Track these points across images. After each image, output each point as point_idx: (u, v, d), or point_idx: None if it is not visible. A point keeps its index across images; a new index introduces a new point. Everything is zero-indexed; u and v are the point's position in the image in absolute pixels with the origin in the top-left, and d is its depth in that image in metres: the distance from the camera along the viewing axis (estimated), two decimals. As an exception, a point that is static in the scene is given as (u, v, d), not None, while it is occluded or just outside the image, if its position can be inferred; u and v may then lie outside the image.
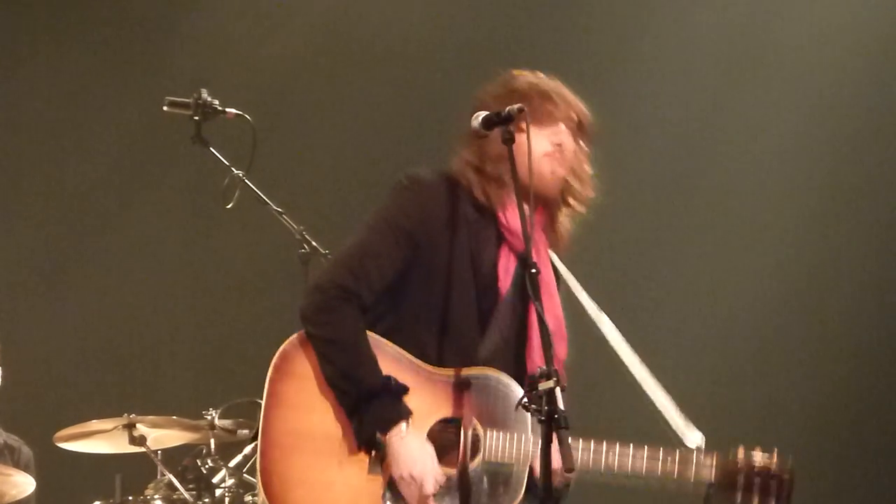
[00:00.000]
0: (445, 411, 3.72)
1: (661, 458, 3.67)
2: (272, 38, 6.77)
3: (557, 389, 3.44)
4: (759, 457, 3.68)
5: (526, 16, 6.66)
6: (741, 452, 3.68)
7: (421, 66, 6.56)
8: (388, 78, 6.58)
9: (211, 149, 4.72)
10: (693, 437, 3.68)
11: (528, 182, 3.67)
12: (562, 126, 3.86)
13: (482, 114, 3.79)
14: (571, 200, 3.86)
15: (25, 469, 5.43)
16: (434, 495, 3.66)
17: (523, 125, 3.74)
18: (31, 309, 6.61)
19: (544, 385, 3.46)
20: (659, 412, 3.73)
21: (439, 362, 3.74)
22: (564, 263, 3.87)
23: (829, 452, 6.33)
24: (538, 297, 3.52)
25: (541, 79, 3.90)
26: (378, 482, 3.69)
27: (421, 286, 3.77)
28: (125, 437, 5.34)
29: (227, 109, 4.72)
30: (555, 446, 3.40)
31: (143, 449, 5.35)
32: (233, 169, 4.73)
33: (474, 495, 3.69)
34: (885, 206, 6.49)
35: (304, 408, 3.71)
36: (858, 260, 6.49)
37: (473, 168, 3.82)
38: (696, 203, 6.60)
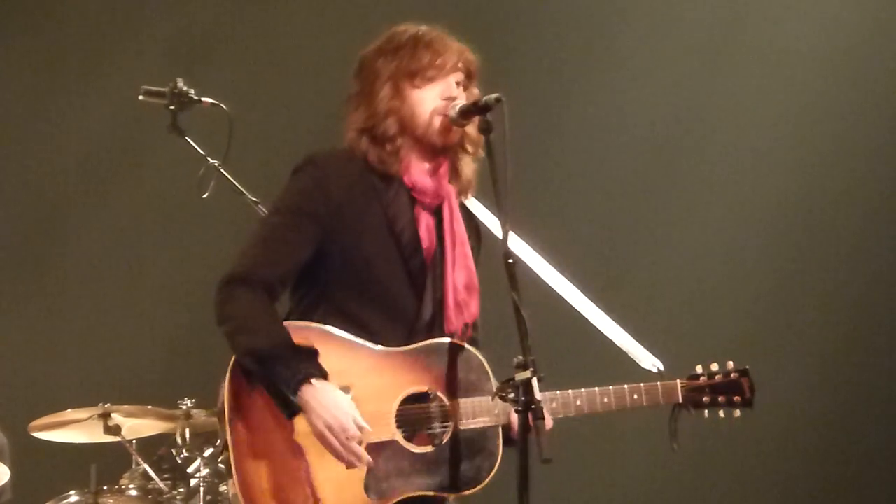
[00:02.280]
0: (409, 387, 3.72)
1: (627, 393, 3.84)
2: (250, 27, 6.77)
3: (535, 380, 3.48)
4: (715, 366, 3.92)
5: (506, 10, 6.68)
6: (699, 368, 3.92)
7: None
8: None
9: (187, 138, 4.71)
10: (652, 363, 3.82)
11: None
12: (450, 78, 3.83)
13: (459, 103, 3.80)
14: (469, 146, 3.85)
15: (-1, 458, 5.43)
16: (405, 470, 3.66)
17: (417, 81, 3.76)
18: (6, 298, 6.59)
19: (521, 375, 3.49)
20: (617, 346, 3.86)
21: (387, 337, 3.72)
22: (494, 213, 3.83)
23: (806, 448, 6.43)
24: (516, 288, 3.54)
25: (424, 31, 3.88)
26: (360, 470, 3.68)
27: (346, 266, 3.75)
28: (100, 426, 5.34)
29: (203, 98, 4.71)
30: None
31: (118, 438, 5.35)
32: (208, 159, 4.72)
33: (455, 465, 3.69)
34: (860, 203, 6.55)
35: (269, 414, 3.69)
36: (835, 256, 6.55)
37: (364, 134, 3.81)
38: (677, 197, 6.63)
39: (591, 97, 6.62)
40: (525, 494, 3.41)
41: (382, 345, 3.73)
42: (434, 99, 3.83)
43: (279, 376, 3.63)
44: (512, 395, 3.51)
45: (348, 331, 3.73)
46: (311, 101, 6.66)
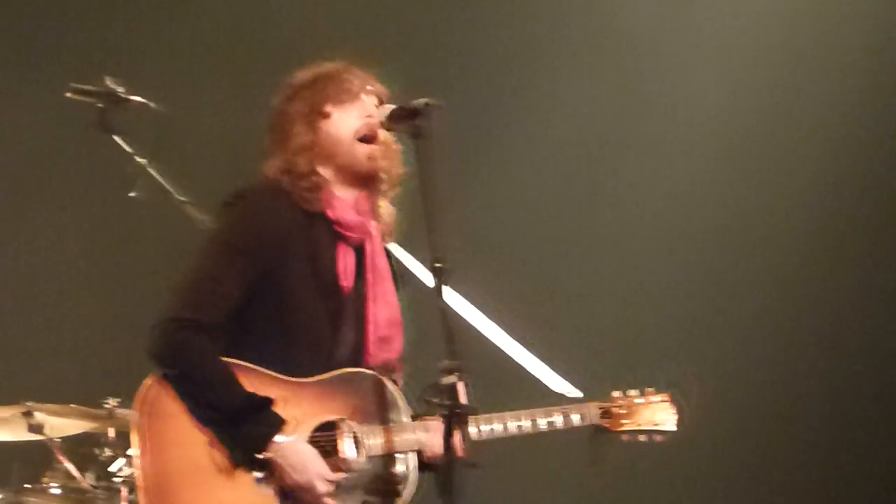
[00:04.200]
0: (318, 418, 3.73)
1: (552, 415, 3.91)
2: (180, 25, 6.74)
3: (461, 384, 3.50)
4: (633, 392, 4.03)
5: (434, 14, 6.69)
6: (616, 393, 4.02)
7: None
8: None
9: (114, 137, 4.68)
10: (571, 391, 3.89)
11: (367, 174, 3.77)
12: (365, 99, 3.87)
13: (389, 107, 3.81)
14: (385, 182, 3.87)
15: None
16: (329, 494, 3.68)
17: (328, 109, 3.77)
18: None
19: (447, 380, 3.51)
20: (537, 378, 3.92)
21: (301, 371, 3.74)
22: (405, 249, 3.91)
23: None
24: (442, 294, 3.56)
25: (325, 66, 3.93)
26: (268, 496, 3.69)
27: (268, 301, 3.76)
28: (23, 424, 5.30)
29: (132, 97, 4.69)
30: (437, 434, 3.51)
31: (41, 437, 5.31)
32: (136, 157, 4.70)
33: (365, 491, 3.72)
34: (794, 211, 6.62)
35: (179, 444, 3.69)
36: (770, 264, 6.63)
37: (285, 171, 3.82)
38: (607, 208, 6.67)
39: (523, 107, 6.64)
40: (450, 499, 3.44)
41: (297, 377, 3.75)
42: (352, 120, 3.85)
43: (244, 435, 3.66)
44: (437, 400, 3.54)
45: (262, 363, 3.73)
46: (244, 101, 6.68)
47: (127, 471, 5.27)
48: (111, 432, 5.35)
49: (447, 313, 3.51)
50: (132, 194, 4.68)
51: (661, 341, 6.45)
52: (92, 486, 5.26)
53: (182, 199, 4.71)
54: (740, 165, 6.65)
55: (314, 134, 3.84)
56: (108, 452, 5.33)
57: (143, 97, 4.70)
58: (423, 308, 3.69)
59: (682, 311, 6.58)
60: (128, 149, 4.72)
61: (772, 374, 6.57)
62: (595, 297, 6.57)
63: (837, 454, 6.53)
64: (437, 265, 3.57)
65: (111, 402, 5.32)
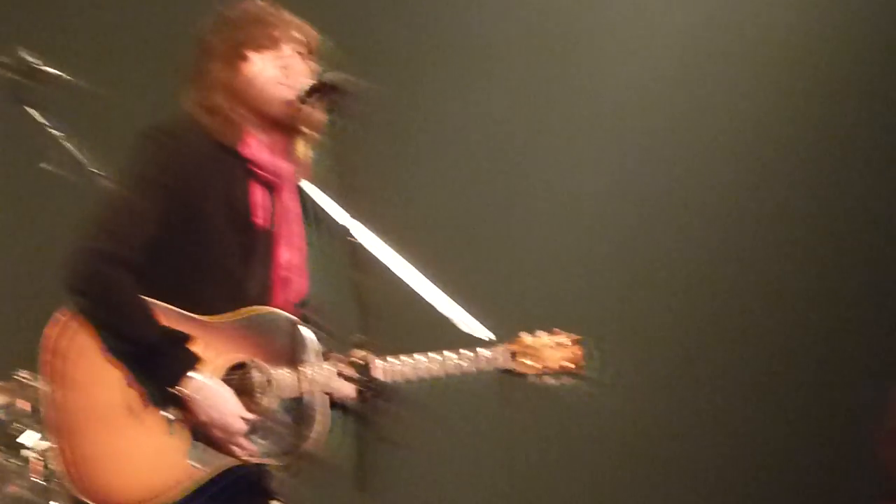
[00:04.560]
0: (229, 358, 3.74)
1: (455, 358, 3.95)
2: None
3: (373, 358, 3.54)
4: (542, 333, 4.05)
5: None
6: (524, 334, 4.06)
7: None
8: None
9: (26, 108, 4.65)
10: (483, 333, 3.91)
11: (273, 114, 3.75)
12: (285, 47, 3.86)
13: (308, 81, 3.82)
14: (309, 129, 3.90)
15: None
16: (242, 434, 3.69)
17: (247, 52, 3.73)
18: None
19: (359, 353, 3.55)
20: (449, 319, 3.94)
21: (212, 309, 3.77)
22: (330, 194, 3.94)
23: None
24: (357, 264, 3.58)
25: (255, 5, 3.94)
26: (182, 437, 3.70)
27: (181, 235, 3.79)
28: (-71, 397, 5.26)
29: (47, 68, 4.66)
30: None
31: (-53, 410, 5.28)
32: (50, 129, 4.67)
33: (278, 433, 3.73)
34: (694, 194, 6.69)
35: (88, 384, 3.71)
36: (688, 239, 6.76)
37: (201, 106, 3.86)
38: (528, 176, 6.74)
39: (446, 79, 6.66)
40: (363, 474, 3.48)
41: (207, 316, 3.75)
42: (269, 67, 3.85)
43: (159, 369, 3.67)
44: (350, 373, 3.57)
45: (174, 300, 3.74)
46: (164, 75, 6.63)
47: (39, 444, 5.25)
48: (23, 404, 5.33)
49: (361, 287, 3.54)
50: (43, 165, 4.66)
51: (575, 287, 6.52)
52: (1, 458, 5.24)
53: (96, 171, 4.69)
54: (668, 138, 6.75)
55: (232, 73, 3.84)
56: (19, 425, 5.31)
57: (60, 70, 4.67)
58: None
59: (597, 258, 6.65)
60: (41, 120, 4.69)
61: (676, 331, 6.66)
62: (508, 242, 6.63)
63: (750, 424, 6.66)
64: (351, 239, 3.61)
65: (23, 374, 5.29)
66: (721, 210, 6.75)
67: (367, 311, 3.52)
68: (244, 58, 3.85)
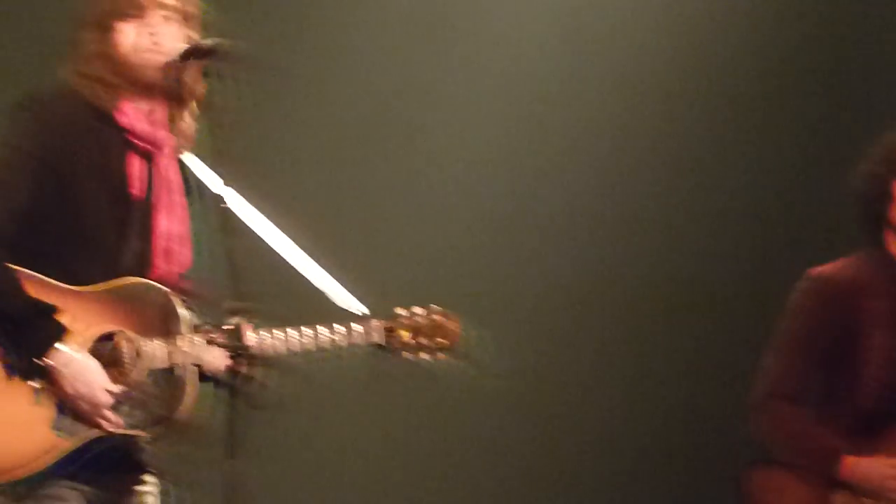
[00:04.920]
0: (98, 329, 3.71)
1: (328, 332, 3.88)
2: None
3: (247, 326, 3.52)
4: (417, 310, 3.98)
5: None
6: (400, 310, 3.99)
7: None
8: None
9: None
10: (357, 308, 3.89)
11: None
12: (153, 14, 3.84)
13: (182, 46, 3.80)
14: (187, 97, 3.86)
15: None
16: (109, 406, 3.65)
17: (114, 21, 3.79)
18: None
19: (232, 321, 3.52)
20: (323, 293, 3.91)
21: (87, 279, 3.73)
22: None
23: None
24: (230, 232, 3.56)
25: None
26: (47, 408, 3.65)
27: (54, 206, 3.73)
28: None
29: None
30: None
31: None
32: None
33: (147, 405, 3.70)
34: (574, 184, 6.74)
35: None
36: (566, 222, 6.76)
37: (78, 75, 3.82)
38: (411, 148, 6.69)
39: (327, 48, 6.61)
40: (234, 442, 3.44)
41: (80, 287, 3.71)
42: (136, 36, 3.82)
43: (24, 340, 3.62)
44: (222, 340, 3.55)
45: (45, 271, 3.69)
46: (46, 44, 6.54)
47: None
48: None
49: (233, 254, 3.52)
50: None
51: (454, 265, 6.54)
52: None
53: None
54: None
55: (103, 42, 3.82)
56: None
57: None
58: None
59: (475, 236, 6.68)
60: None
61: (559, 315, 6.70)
62: (387, 217, 6.61)
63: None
64: (224, 206, 3.59)
65: None
66: (599, 195, 6.80)
67: (239, 278, 3.49)
68: (112, 28, 3.83)
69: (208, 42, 3.74)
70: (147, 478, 3.89)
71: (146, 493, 3.90)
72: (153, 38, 3.81)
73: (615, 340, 6.79)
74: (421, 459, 6.54)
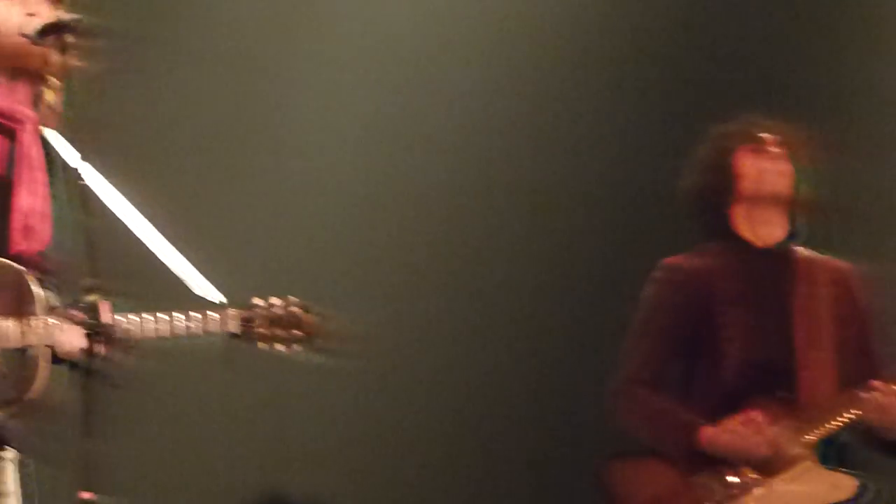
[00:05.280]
0: None
1: (181, 319, 3.86)
2: None
3: (104, 305, 3.48)
4: (275, 300, 3.97)
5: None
6: (257, 300, 3.97)
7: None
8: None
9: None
10: (215, 296, 3.87)
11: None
12: None
13: (38, 22, 3.75)
14: (50, 72, 3.83)
15: None
16: None
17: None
18: None
19: (89, 298, 3.48)
20: (180, 280, 3.88)
21: None
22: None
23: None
24: (87, 210, 3.52)
25: None
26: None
27: None
28: None
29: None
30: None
31: None
32: None
33: None
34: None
35: None
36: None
37: None
38: (274, 138, 6.67)
39: (193, 29, 6.57)
40: (89, 420, 3.41)
41: None
42: (13, 16, 3.77)
43: None
44: (79, 318, 3.51)
45: None
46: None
47: None
48: None
49: (90, 231, 3.48)
50: None
51: (314, 257, 6.53)
52: None
53: None
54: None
55: None
56: None
57: None
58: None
59: (337, 230, 6.68)
60: None
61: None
62: (248, 206, 6.58)
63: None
64: (83, 183, 3.55)
65: None
66: (457, 185, 6.84)
67: (96, 257, 3.45)
68: None
69: (68, 17, 3.70)
70: (6, 449, 3.84)
71: (4, 461, 3.86)
72: (24, 16, 3.76)
73: (473, 330, 6.81)
74: (274, 442, 6.52)
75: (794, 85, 6.66)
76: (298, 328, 3.97)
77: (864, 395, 4.73)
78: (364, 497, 6.58)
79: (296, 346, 3.98)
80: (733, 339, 4.82)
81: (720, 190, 4.94)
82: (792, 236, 4.99)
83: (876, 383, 4.73)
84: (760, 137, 4.95)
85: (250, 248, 6.42)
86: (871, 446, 4.80)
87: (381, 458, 6.68)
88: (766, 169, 4.92)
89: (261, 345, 3.96)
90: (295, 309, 3.99)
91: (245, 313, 3.95)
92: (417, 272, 6.77)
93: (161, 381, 6.00)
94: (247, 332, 3.93)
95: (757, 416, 4.73)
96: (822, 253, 5.05)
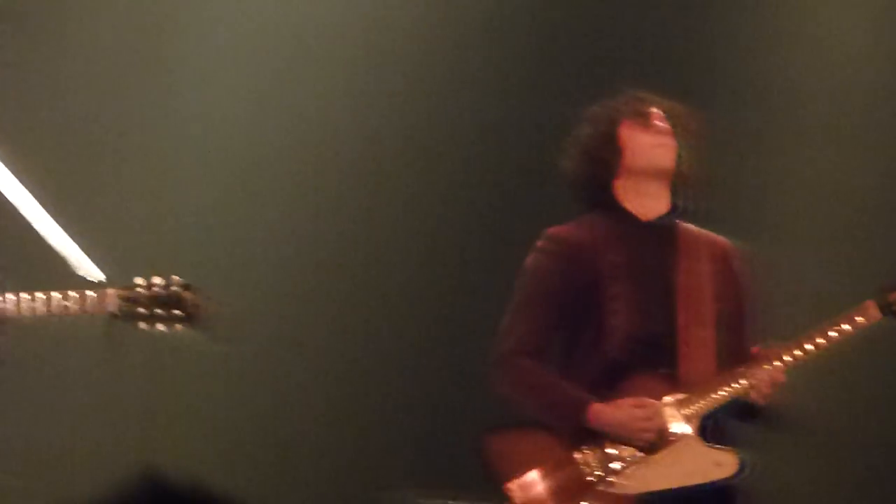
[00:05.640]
0: None
1: (58, 299, 3.81)
2: None
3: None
4: (157, 280, 3.93)
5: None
6: (139, 280, 3.92)
7: None
8: None
9: None
10: (95, 274, 3.80)
11: None
12: None
13: None
14: None
15: None
16: None
17: None
18: None
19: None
20: (60, 254, 3.81)
21: None
22: None
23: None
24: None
25: None
26: None
27: None
28: None
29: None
30: None
31: None
32: None
33: None
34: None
35: None
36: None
37: None
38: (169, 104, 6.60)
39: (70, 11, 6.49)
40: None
41: None
42: None
43: None
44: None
45: None
46: None
47: None
48: None
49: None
50: None
51: (196, 237, 6.49)
52: None
53: None
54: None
55: None
56: None
57: None
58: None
59: (218, 209, 6.63)
60: None
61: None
62: (129, 183, 6.51)
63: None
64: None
65: None
66: (337, 170, 6.84)
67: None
68: None
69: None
70: None
71: None
72: None
73: (352, 306, 6.80)
74: (154, 421, 6.46)
75: (677, 62, 6.71)
76: (180, 308, 3.91)
77: (744, 370, 4.76)
78: (245, 476, 6.55)
79: (177, 326, 3.92)
80: (617, 312, 4.82)
81: (605, 162, 4.94)
82: (674, 210, 5.00)
83: (757, 357, 4.76)
84: (645, 112, 4.96)
85: (136, 229, 6.36)
86: (738, 416, 4.83)
87: (260, 438, 6.65)
88: (651, 143, 4.93)
89: (142, 325, 3.90)
90: (177, 288, 3.92)
91: (125, 293, 3.87)
92: (297, 255, 6.74)
93: (40, 360, 5.99)
94: (127, 312, 3.87)
95: (649, 402, 4.74)
96: (703, 228, 5.07)
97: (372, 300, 6.82)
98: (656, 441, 4.74)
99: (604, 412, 4.75)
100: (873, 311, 4.73)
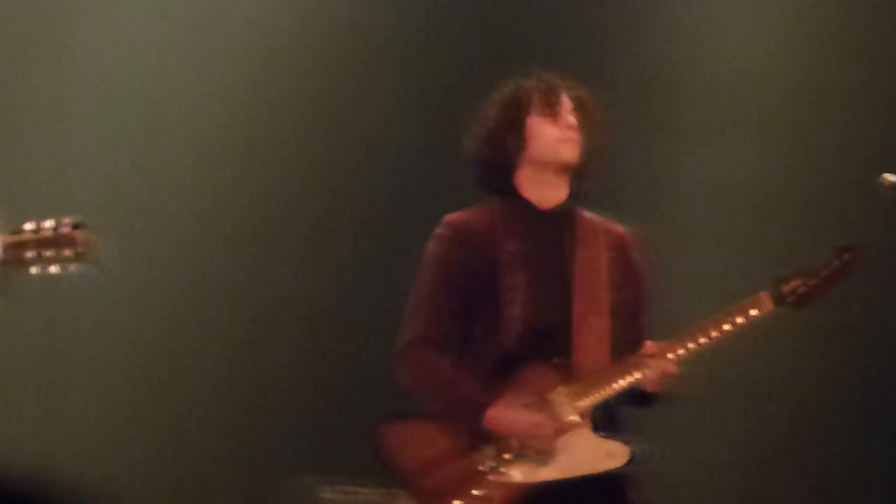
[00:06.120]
0: None
1: None
2: None
3: None
4: (48, 224, 3.85)
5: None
6: (28, 225, 3.85)
7: None
8: None
9: None
10: None
11: None
12: None
13: None
14: None
15: None
16: None
17: None
18: None
19: None
20: None
21: None
22: None
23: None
24: None
25: None
26: None
27: None
28: None
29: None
30: None
31: None
32: None
33: None
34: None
35: None
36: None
37: None
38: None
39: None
40: None
41: None
42: None
43: None
44: None
45: None
46: None
47: None
48: None
49: None
50: None
51: (85, 175, 6.44)
52: None
53: None
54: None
55: None
56: None
57: None
58: None
59: (110, 147, 6.57)
60: None
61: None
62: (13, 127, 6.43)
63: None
64: None
65: None
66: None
67: None
68: None
69: None
70: None
71: None
72: None
73: (255, 290, 6.76)
74: (49, 370, 6.38)
75: (582, 43, 6.72)
76: (70, 248, 3.84)
77: (638, 360, 4.77)
78: (141, 466, 6.51)
79: (70, 266, 3.85)
80: (513, 303, 4.81)
81: (508, 151, 4.91)
82: (573, 196, 4.99)
83: (650, 348, 4.78)
84: (554, 102, 4.92)
85: (21, 171, 6.29)
86: (628, 402, 4.85)
87: (155, 426, 6.60)
88: (557, 137, 4.90)
89: (33, 269, 3.83)
90: (66, 230, 3.85)
91: (11, 238, 3.81)
92: (196, 198, 6.69)
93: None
94: (15, 257, 3.80)
95: (546, 411, 4.74)
96: (600, 215, 5.07)
97: (270, 284, 6.78)
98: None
99: (500, 419, 4.73)
100: (767, 303, 4.76)
